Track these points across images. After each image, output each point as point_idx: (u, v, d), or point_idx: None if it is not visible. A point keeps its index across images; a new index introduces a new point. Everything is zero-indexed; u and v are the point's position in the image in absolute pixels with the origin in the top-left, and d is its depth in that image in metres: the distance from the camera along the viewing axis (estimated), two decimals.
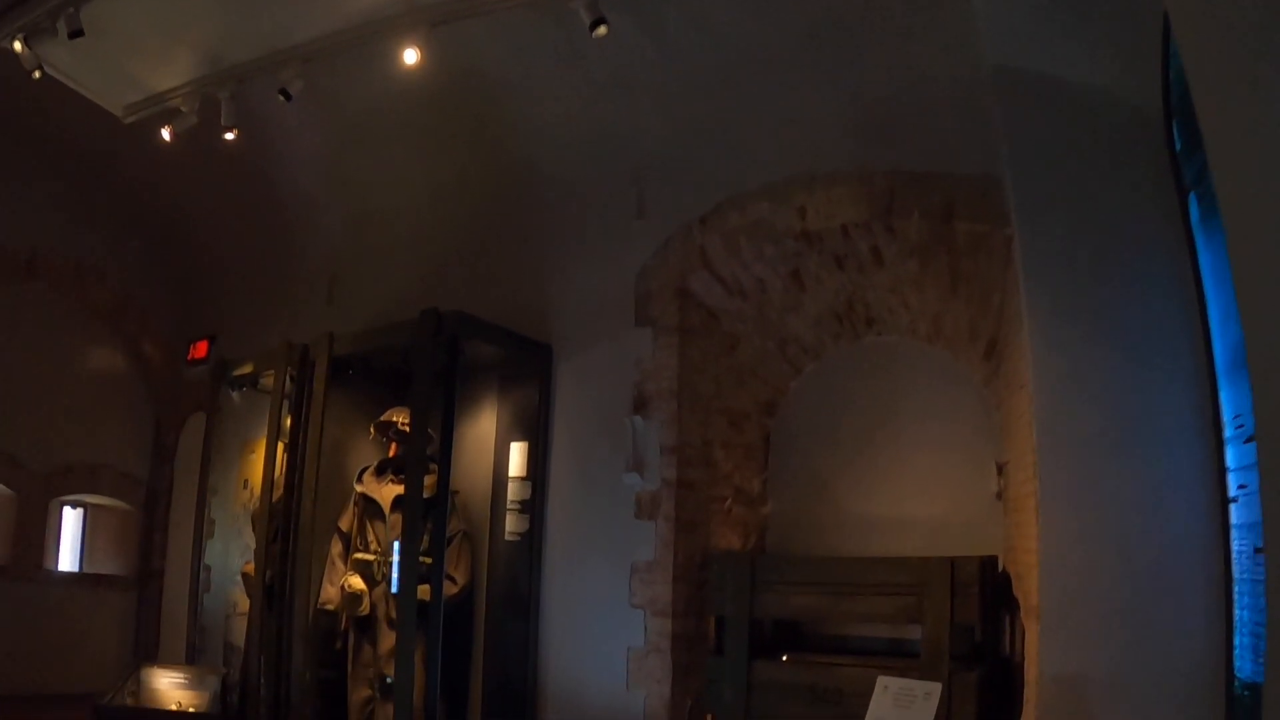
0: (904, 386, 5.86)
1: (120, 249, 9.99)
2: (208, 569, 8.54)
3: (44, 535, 9.99)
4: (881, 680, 4.15)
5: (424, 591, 5.51)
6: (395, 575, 5.87)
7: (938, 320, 5.61)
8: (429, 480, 5.73)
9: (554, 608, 6.00)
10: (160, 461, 10.54)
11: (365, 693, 6.04)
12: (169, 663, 7.60)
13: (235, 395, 7.72)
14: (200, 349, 9.81)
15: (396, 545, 5.94)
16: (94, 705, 5.22)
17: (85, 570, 10.51)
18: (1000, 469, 5.26)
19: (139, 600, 10.41)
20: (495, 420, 6.50)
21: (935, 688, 3.97)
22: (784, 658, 5.37)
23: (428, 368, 5.64)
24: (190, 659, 7.29)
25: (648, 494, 5.66)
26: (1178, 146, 3.48)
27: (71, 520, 10.62)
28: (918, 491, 5.69)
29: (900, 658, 5.23)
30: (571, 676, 5.84)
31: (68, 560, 10.51)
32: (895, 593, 4.99)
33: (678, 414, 5.68)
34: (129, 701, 5.86)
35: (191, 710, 5.97)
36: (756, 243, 5.53)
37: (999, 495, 5.28)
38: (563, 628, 5.94)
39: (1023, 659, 4.46)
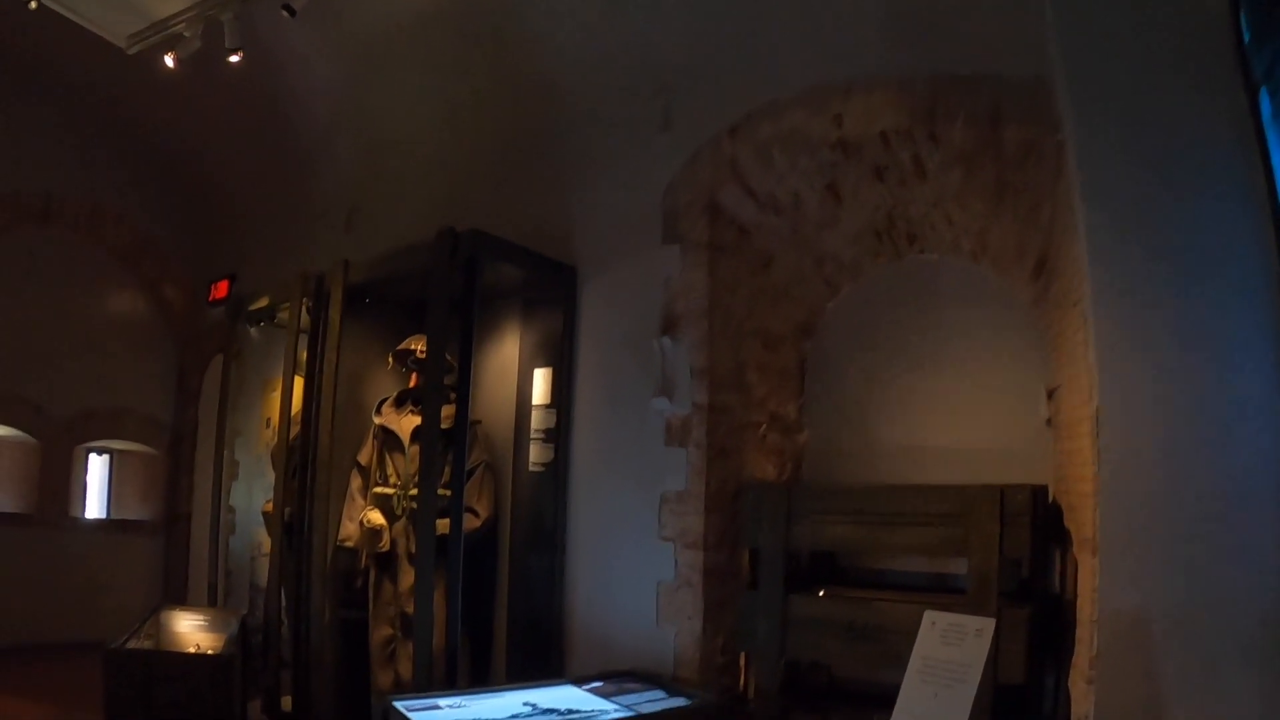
0: (947, 308, 5.52)
1: (137, 190, 9.90)
2: (232, 510, 8.55)
3: (69, 482, 10.00)
4: (929, 615, 3.86)
5: (444, 525, 5.26)
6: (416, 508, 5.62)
7: (983, 236, 5.25)
8: (448, 410, 5.49)
9: (581, 541, 5.77)
10: (184, 404, 10.54)
11: (387, 631, 5.85)
12: (189, 605, 7.52)
13: (253, 331, 7.60)
14: (221, 289, 9.68)
15: None
16: (103, 650, 5.01)
17: (112, 517, 10.50)
18: (1050, 394, 4.91)
19: (166, 545, 10.44)
20: (518, 346, 6.23)
21: (988, 624, 3.67)
22: (819, 593, 5.10)
23: (445, 291, 5.34)
24: (212, 601, 7.15)
25: (678, 419, 5.37)
26: (1246, 38, 3.09)
27: (97, 466, 10.61)
28: (961, 419, 5.36)
29: (943, 593, 4.96)
30: (599, 612, 5.62)
31: (94, 507, 10.49)
32: (939, 523, 4.65)
33: (709, 335, 5.37)
34: (145, 645, 5.67)
35: (209, 653, 5.78)
36: (790, 154, 5.17)
37: (1048, 422, 4.94)
38: (590, 562, 5.71)
39: (1074, 595, 4.16)
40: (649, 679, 5.07)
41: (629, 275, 5.73)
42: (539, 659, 5.71)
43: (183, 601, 9.14)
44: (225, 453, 7.80)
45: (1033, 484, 4.50)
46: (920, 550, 4.88)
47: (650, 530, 5.39)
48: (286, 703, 6.08)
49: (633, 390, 5.56)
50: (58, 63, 8.48)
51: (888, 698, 4.70)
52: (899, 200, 5.28)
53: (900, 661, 4.31)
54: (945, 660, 3.70)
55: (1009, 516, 4.43)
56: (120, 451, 10.72)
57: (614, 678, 5.07)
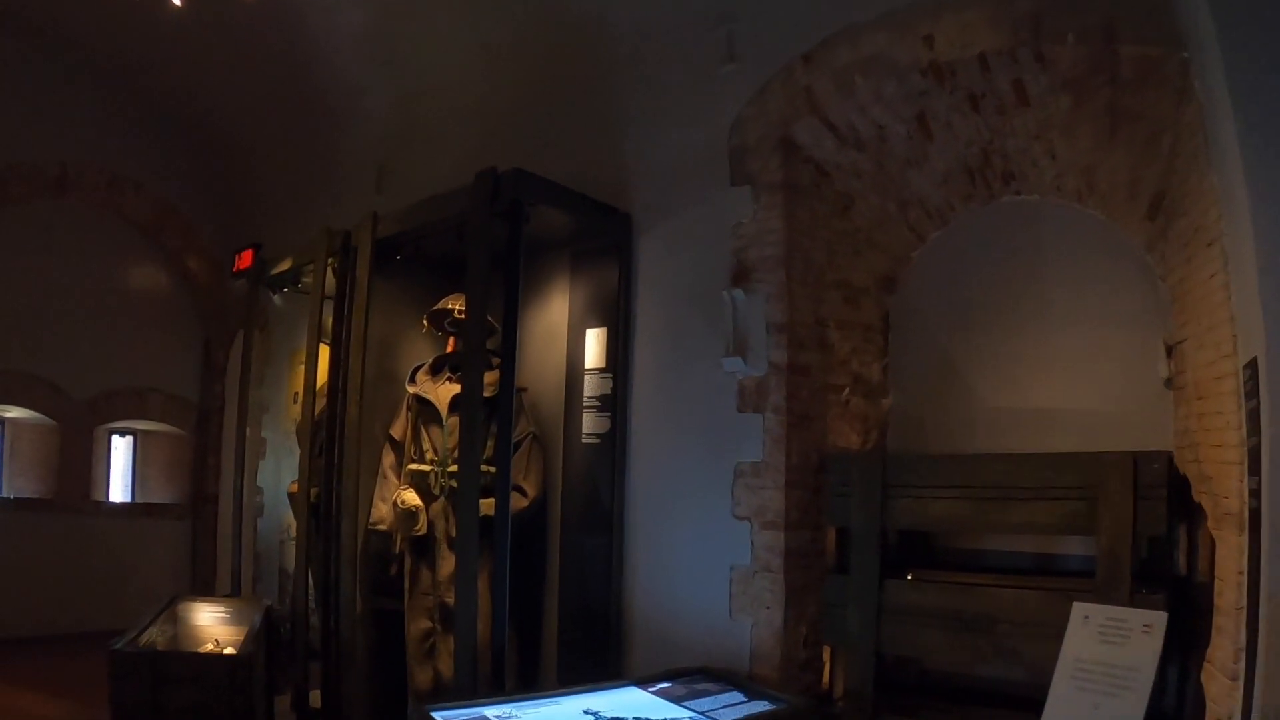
0: (1048, 255, 4.93)
1: (156, 158, 9.55)
2: (259, 491, 8.25)
3: (90, 465, 9.70)
4: (1079, 608, 3.29)
5: (488, 506, 4.68)
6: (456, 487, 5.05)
7: (1089, 173, 4.66)
8: (490, 377, 4.93)
9: (641, 521, 5.18)
10: (211, 381, 10.26)
11: (425, 624, 5.30)
12: (209, 594, 7.14)
13: (276, 298, 7.11)
14: (245, 259, 9.10)
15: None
16: (109, 650, 4.45)
17: (137, 500, 10.21)
18: (1170, 350, 4.31)
19: (194, 529, 10.17)
20: (567, 304, 5.61)
21: (1158, 619, 3.07)
22: (908, 576, 4.55)
23: (486, 242, 4.72)
24: (236, 589, 6.63)
25: (753, 382, 4.75)
26: None
27: (121, 449, 10.30)
28: (1066, 380, 4.78)
29: (1055, 576, 4.42)
30: (663, 602, 5.04)
31: (118, 490, 10.17)
32: (1063, 497, 4.06)
33: (786, 286, 4.76)
34: (159, 640, 5.11)
35: (225, 651, 5.23)
36: (874, 81, 4.55)
37: (1168, 382, 4.34)
38: (652, 545, 5.12)
39: (1208, 578, 3.58)
40: (723, 678, 4.51)
41: (692, 221, 5.14)
42: (594, 655, 5.16)
43: (212, 588, 8.94)
44: (250, 430, 7.37)
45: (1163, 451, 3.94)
46: (1039, 528, 4.27)
47: (722, 508, 4.80)
48: (316, 698, 5.61)
49: (699, 350, 4.98)
50: (71, 27, 8.13)
51: (990, 695, 4.42)
52: (996, 132, 4.69)
53: (1013, 656, 4.03)
54: (1105, 663, 3.14)
55: (1143, 489, 3.85)
56: (144, 432, 10.38)
57: (683, 677, 4.50)
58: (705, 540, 4.85)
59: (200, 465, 10.29)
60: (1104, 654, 3.10)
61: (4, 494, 9.31)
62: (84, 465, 9.60)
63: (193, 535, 10.18)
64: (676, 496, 5.01)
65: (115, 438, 10.25)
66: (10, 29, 8.21)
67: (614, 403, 5.23)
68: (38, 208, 9.01)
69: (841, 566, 4.70)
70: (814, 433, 4.85)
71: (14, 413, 9.30)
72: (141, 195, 9.66)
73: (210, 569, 9.54)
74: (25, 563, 8.76)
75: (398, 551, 5.42)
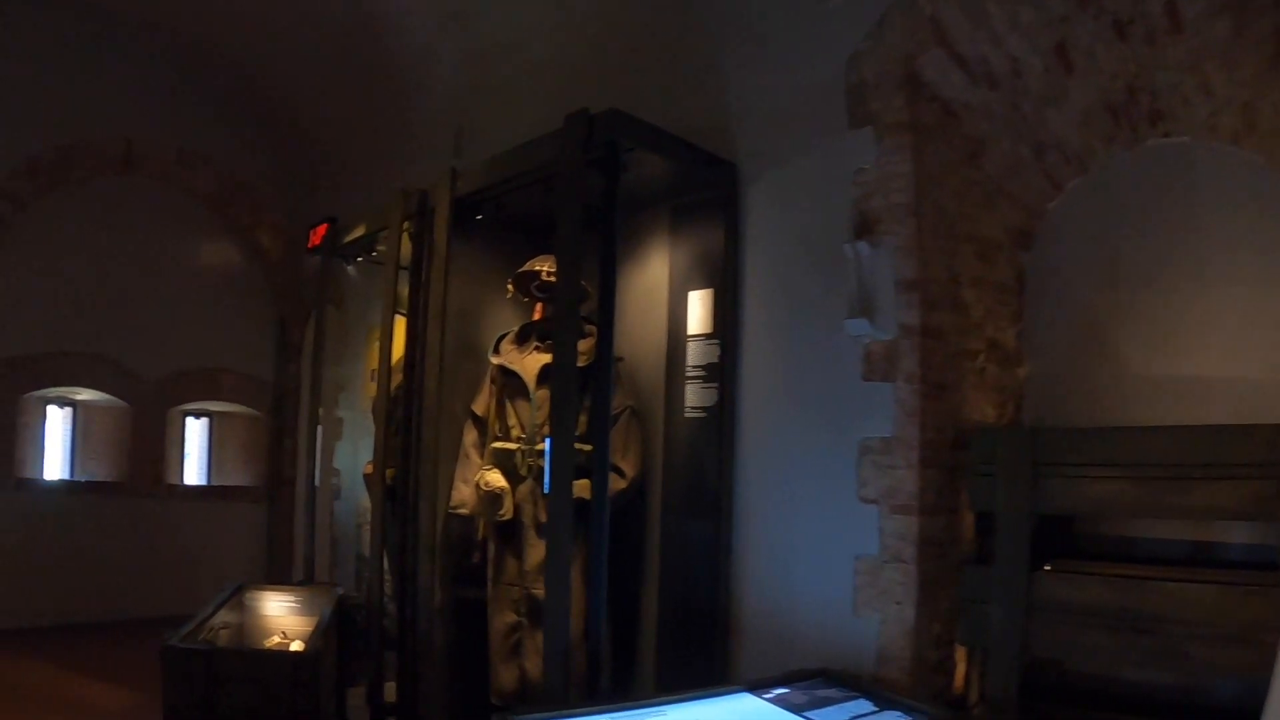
0: (1202, 205, 4.35)
1: (223, 131, 9.34)
2: (337, 473, 8.05)
3: (163, 448, 9.50)
4: None
5: (582, 488, 4.23)
6: (545, 468, 4.58)
7: (1250, 111, 4.11)
8: (585, 345, 4.47)
9: (752, 505, 4.64)
10: (286, 361, 10.01)
11: (510, 618, 4.85)
12: (286, 580, 6.81)
13: (350, 269, 6.71)
14: (320, 233, 8.84)
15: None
16: (162, 645, 4.05)
17: (213, 483, 9.98)
18: None
19: (270, 512, 9.96)
20: (667, 265, 5.08)
21: None
22: (1046, 567, 4.00)
23: (578, 192, 4.21)
24: (309, 576, 6.29)
25: (881, 346, 4.20)
26: None
27: (196, 430, 10.08)
28: (1226, 344, 4.21)
29: (1218, 568, 3.87)
30: (776, 596, 4.51)
31: (193, 473, 9.93)
32: (1248, 475, 3.49)
33: (917, 237, 4.18)
34: (219, 634, 4.71)
35: (291, 646, 4.83)
36: (1009, 6, 4.03)
37: None
38: (765, 532, 4.59)
39: None
40: (845, 683, 3.96)
41: (806, 169, 4.60)
42: (697, 655, 4.66)
43: (289, 573, 8.73)
44: (325, 410, 7.10)
45: None
46: (1223, 512, 3.69)
47: (846, 490, 4.25)
48: (391, 691, 5.21)
49: (818, 312, 4.44)
50: (133, 2, 7.94)
51: (1145, 702, 3.86)
52: (1144, 64, 4.16)
53: (1180, 660, 3.57)
54: None
55: None
56: (219, 414, 10.17)
57: (801, 682, 3.95)
58: (826, 527, 4.32)
59: (276, 447, 10.07)
60: None
61: (75, 477, 9.14)
62: (156, 448, 9.40)
63: (269, 519, 9.96)
64: (793, 477, 4.48)
65: (190, 419, 10.04)
66: (71, 6, 8.01)
67: (721, 372, 4.70)
68: (104, 186, 8.83)
69: (981, 556, 4.18)
70: (949, 404, 4.29)
71: (84, 395, 9.11)
72: (210, 170, 9.44)
73: (287, 554, 9.27)
74: (96, 547, 8.61)
75: (480, 538, 5.03)
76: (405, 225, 5.43)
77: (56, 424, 9.11)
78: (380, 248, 6.05)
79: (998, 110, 4.45)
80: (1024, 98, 4.41)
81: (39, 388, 8.70)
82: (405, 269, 5.47)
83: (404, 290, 5.44)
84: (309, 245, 7.02)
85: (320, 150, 9.12)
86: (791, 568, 4.44)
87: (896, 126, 4.28)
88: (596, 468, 4.02)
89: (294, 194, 9.68)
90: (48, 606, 8.24)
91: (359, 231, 6.11)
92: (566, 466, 4.04)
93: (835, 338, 4.32)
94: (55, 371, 8.72)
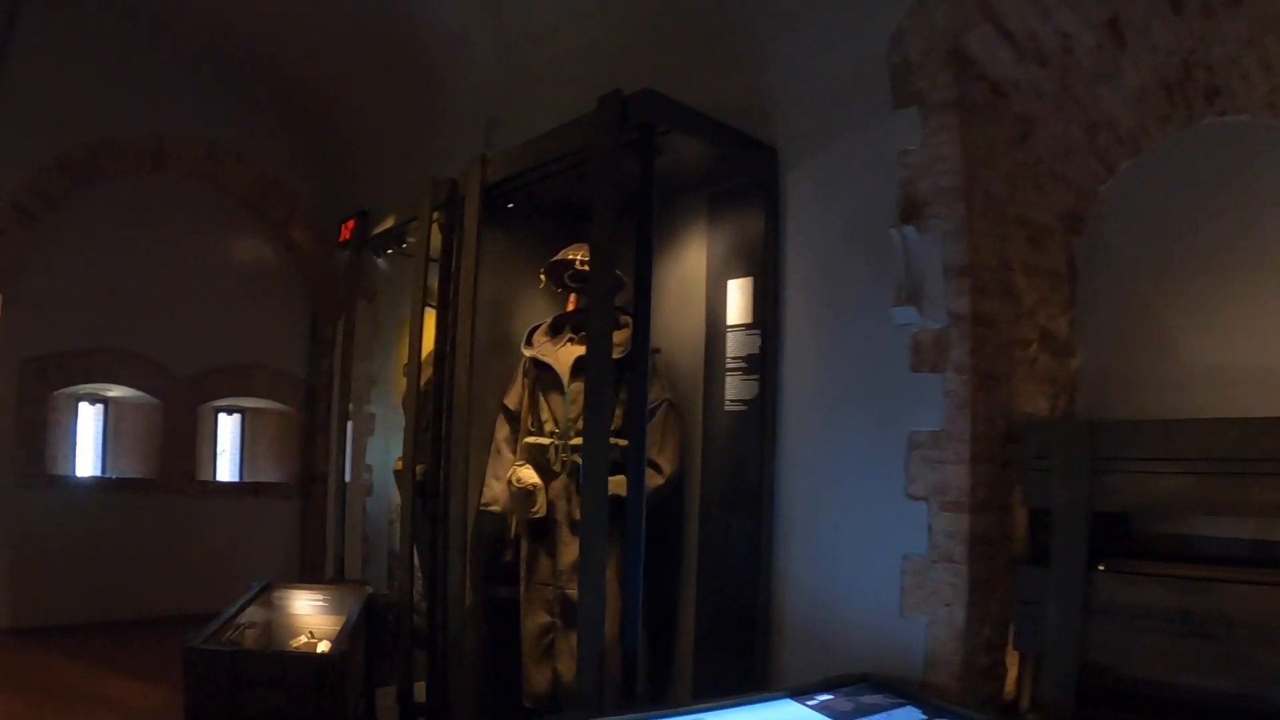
0: (1261, 186, 4.11)
1: (255, 127, 9.28)
2: (369, 469, 7.98)
3: (194, 444, 9.44)
4: None
5: (618, 484, 4.04)
6: (580, 463, 4.45)
7: None
8: (620, 336, 4.28)
9: (795, 502, 4.45)
10: (319, 356, 9.96)
11: (543, 618, 4.68)
12: (318, 576, 6.68)
13: (380, 261, 6.60)
14: (351, 228, 8.74)
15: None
16: (184, 646, 3.92)
17: (245, 480, 9.94)
18: None
19: (303, 509, 9.90)
20: (704, 253, 4.89)
21: None
22: (1099, 567, 3.77)
23: (612, 176, 4.03)
24: (339, 574, 6.16)
25: (930, 335, 4.01)
26: None
27: (228, 427, 10.02)
28: None
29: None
30: (819, 597, 4.32)
31: (225, 469, 9.89)
32: None
33: (966, 221, 3.98)
34: (245, 634, 4.58)
35: (319, 647, 4.70)
36: None
37: None
38: (808, 530, 4.40)
39: None
40: (892, 689, 3.76)
41: (848, 152, 4.41)
42: (736, 658, 4.47)
43: (322, 570, 8.60)
44: (356, 405, 7.00)
45: None
46: None
47: (893, 486, 4.06)
48: (421, 691, 5.09)
49: (863, 300, 4.25)
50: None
51: (1205, 710, 3.62)
52: (1201, 38, 3.96)
53: (1247, 666, 3.38)
54: None
55: None
56: (252, 410, 10.12)
57: (844, 687, 3.76)
58: (872, 524, 4.13)
59: (309, 443, 10.01)
60: None
61: (107, 474, 9.11)
62: (188, 444, 9.35)
63: (301, 516, 9.90)
64: (837, 473, 4.29)
65: (222, 415, 9.99)
66: (98, 2, 8.01)
67: (762, 364, 4.50)
68: (135, 183, 8.78)
69: (1034, 555, 3.96)
70: (1000, 396, 4.08)
71: (116, 391, 9.07)
72: (242, 166, 9.37)
73: (320, 551, 9.17)
74: (128, 544, 8.57)
75: (513, 536, 4.85)
76: (435, 215, 5.29)
77: (88, 421, 9.08)
78: (410, 239, 5.91)
79: (1047, 89, 4.25)
80: (1075, 76, 4.21)
81: (70, 385, 8.65)
82: (435, 261, 5.33)
83: (434, 282, 5.30)
84: (340, 240, 6.92)
85: (352, 144, 9.01)
86: (835, 568, 4.26)
87: (943, 106, 4.09)
88: (633, 463, 3.82)
89: (326, 189, 9.60)
90: (79, 604, 8.20)
91: (388, 223, 5.97)
92: (601, 462, 3.87)
93: (881, 327, 4.14)
94: (87, 368, 8.68)
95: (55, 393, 8.53)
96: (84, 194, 8.40)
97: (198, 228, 9.25)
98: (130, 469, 9.12)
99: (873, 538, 4.11)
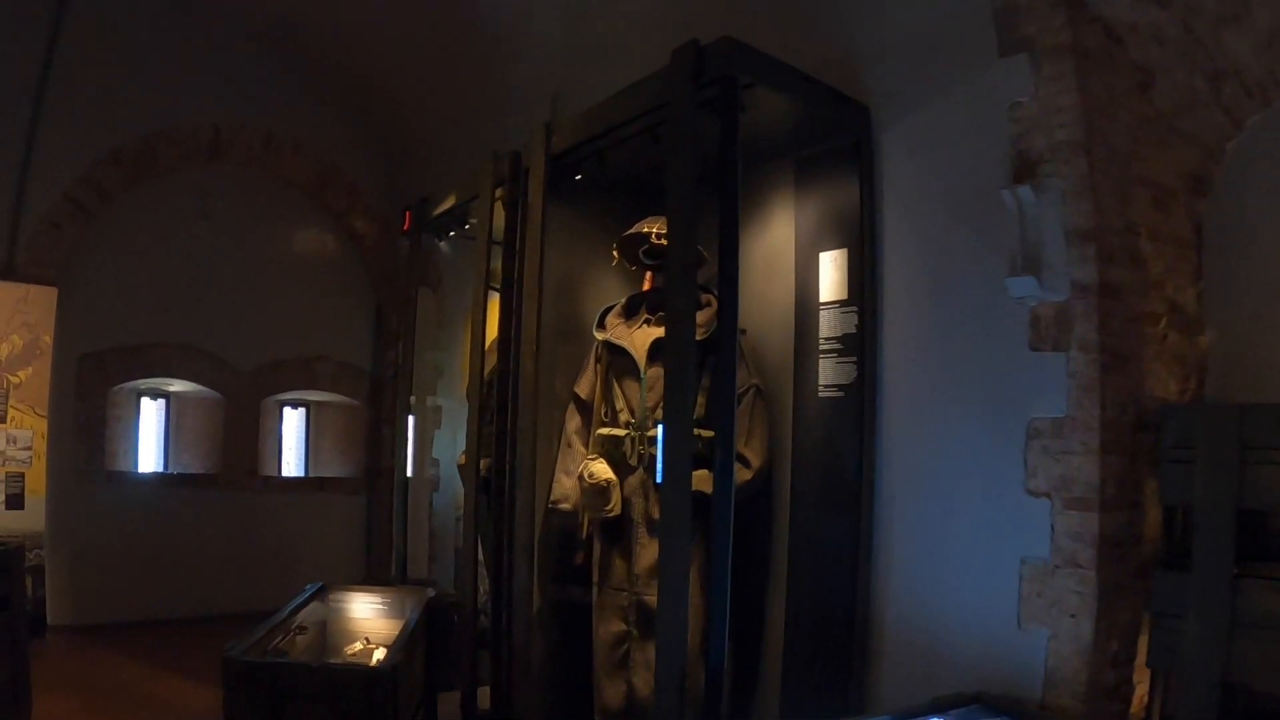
0: None
1: (313, 115, 9.08)
2: (435, 463, 7.76)
3: (257, 439, 9.21)
4: None
5: (701, 480, 3.63)
6: (659, 456, 4.02)
7: None
8: (703, 316, 3.91)
9: (897, 498, 4.01)
10: (384, 348, 9.69)
11: (617, 627, 4.30)
12: (386, 574, 6.53)
13: (443, 245, 6.26)
14: (412, 216, 8.54)
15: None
16: (222, 656, 3.58)
17: (310, 474, 9.73)
18: None
19: (369, 504, 9.65)
20: (792, 224, 4.45)
21: None
22: (1234, 571, 3.31)
23: (690, 138, 3.60)
24: (400, 575, 5.86)
25: (1050, 309, 3.55)
26: None
27: (293, 421, 9.83)
28: None
29: None
30: (925, 606, 3.88)
31: (290, 464, 9.73)
32: None
33: (1089, 179, 3.53)
34: (294, 642, 4.24)
35: (375, 656, 4.36)
36: None
37: None
38: (912, 530, 3.95)
39: None
40: (1008, 709, 3.35)
41: (950, 107, 3.95)
42: (830, 673, 4.03)
43: (388, 568, 8.19)
44: (417, 397, 6.90)
45: None
46: None
47: (1010, 480, 3.60)
48: (485, 697, 4.77)
49: (972, 271, 3.79)
50: None
51: None
52: None
53: None
54: None
55: None
56: (317, 403, 9.90)
57: (954, 709, 3.35)
58: (986, 524, 3.68)
59: (374, 437, 9.74)
60: None
61: (169, 470, 8.92)
62: (251, 439, 9.12)
63: (367, 511, 9.65)
64: (946, 466, 3.84)
65: (287, 409, 9.76)
66: None
67: (860, 344, 4.05)
68: (191, 174, 8.57)
69: (1171, 559, 3.53)
70: (1131, 377, 3.62)
71: (177, 386, 8.88)
72: (301, 155, 9.13)
73: (387, 546, 8.78)
74: (190, 541, 8.40)
75: (584, 536, 4.47)
76: (497, 192, 4.94)
77: (150, 416, 8.90)
78: (472, 220, 5.57)
79: (1168, 33, 3.82)
80: (1197, 17, 3.79)
81: (129, 380, 8.47)
82: (499, 244, 4.99)
83: (498, 264, 4.95)
84: (403, 228, 6.62)
85: (413, 129, 8.77)
86: (944, 572, 3.82)
87: (1056, 51, 3.64)
88: (720, 456, 3.39)
89: (388, 177, 9.41)
90: (140, 602, 8.03)
91: (449, 202, 5.65)
92: (683, 455, 3.44)
93: (995, 300, 3.69)
94: (147, 363, 8.48)
95: (115, 388, 8.34)
96: (140, 188, 8.22)
97: (257, 219, 9.03)
98: (192, 464, 8.92)
99: (986, 539, 3.68)
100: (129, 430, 8.66)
